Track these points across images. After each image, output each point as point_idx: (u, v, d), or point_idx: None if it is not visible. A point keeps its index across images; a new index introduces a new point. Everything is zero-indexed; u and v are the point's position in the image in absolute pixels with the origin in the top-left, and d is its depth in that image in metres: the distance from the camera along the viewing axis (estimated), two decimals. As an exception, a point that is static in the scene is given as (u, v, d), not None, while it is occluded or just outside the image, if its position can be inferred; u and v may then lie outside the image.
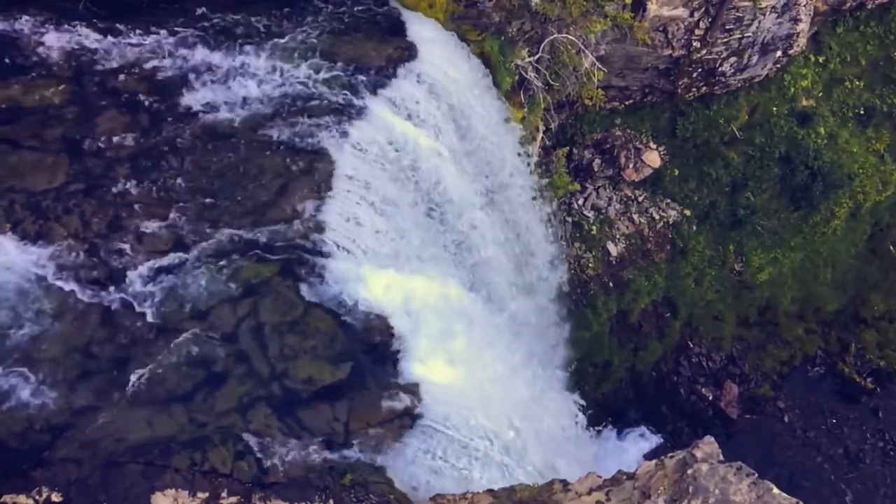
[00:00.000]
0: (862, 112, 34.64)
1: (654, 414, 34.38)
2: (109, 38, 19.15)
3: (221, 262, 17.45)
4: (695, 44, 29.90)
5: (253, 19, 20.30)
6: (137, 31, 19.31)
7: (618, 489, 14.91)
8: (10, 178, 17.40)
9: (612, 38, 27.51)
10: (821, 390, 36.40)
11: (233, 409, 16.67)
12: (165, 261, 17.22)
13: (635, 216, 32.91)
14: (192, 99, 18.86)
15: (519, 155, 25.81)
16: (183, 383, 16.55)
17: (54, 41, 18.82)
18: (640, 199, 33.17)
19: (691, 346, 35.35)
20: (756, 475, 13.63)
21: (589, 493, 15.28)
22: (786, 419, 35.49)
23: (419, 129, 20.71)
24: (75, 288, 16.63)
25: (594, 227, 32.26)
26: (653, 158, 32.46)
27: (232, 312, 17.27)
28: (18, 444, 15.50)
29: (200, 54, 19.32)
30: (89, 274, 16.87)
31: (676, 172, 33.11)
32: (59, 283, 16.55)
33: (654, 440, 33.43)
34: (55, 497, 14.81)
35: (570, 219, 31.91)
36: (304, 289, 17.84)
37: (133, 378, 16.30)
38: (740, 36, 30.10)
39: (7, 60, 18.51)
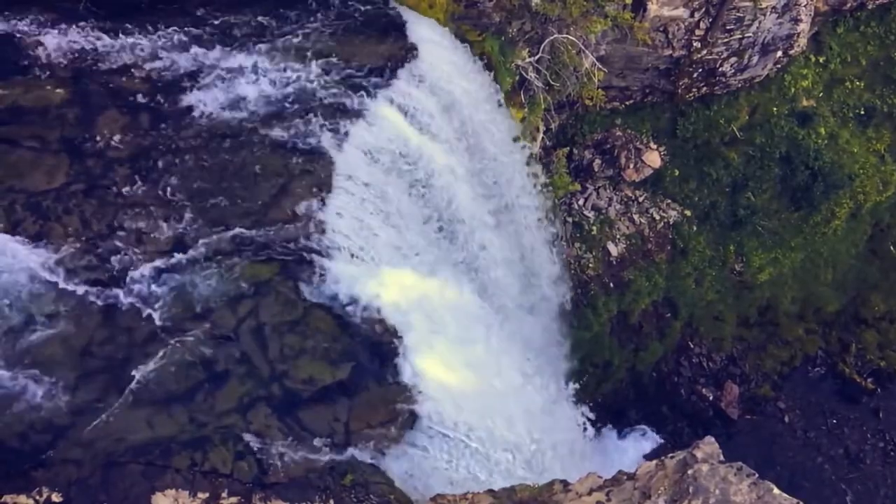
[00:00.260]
0: (862, 112, 34.65)
1: (654, 414, 34.37)
2: (110, 38, 19.16)
3: (222, 263, 17.45)
4: (695, 44, 29.90)
5: (253, 20, 20.31)
6: (138, 32, 19.32)
7: (618, 489, 14.89)
8: (11, 179, 17.40)
9: (613, 39, 27.52)
10: (821, 391, 36.39)
11: (233, 410, 16.66)
12: (166, 261, 17.21)
13: (636, 216, 32.91)
14: (193, 99, 18.87)
15: (528, 175, 25.99)
16: (183, 383, 16.54)
17: (55, 41, 18.83)
18: (641, 199, 33.18)
19: (692, 346, 35.35)
20: (756, 475, 13.62)
21: (589, 494, 15.27)
22: (786, 419, 35.48)
23: (423, 133, 20.73)
24: (75, 288, 16.62)
25: (594, 228, 32.26)
26: (653, 159, 32.47)
27: (232, 312, 17.26)
28: (19, 444, 15.49)
29: (200, 54, 19.33)
30: (89, 274, 16.86)
31: (677, 173, 33.12)
32: (59, 284, 16.54)
33: (654, 440, 33.42)
34: (55, 497, 14.80)
35: (570, 219, 31.92)
36: (304, 289, 17.83)
37: (133, 378, 16.29)
38: (741, 36, 30.11)
39: (7, 61, 18.51)
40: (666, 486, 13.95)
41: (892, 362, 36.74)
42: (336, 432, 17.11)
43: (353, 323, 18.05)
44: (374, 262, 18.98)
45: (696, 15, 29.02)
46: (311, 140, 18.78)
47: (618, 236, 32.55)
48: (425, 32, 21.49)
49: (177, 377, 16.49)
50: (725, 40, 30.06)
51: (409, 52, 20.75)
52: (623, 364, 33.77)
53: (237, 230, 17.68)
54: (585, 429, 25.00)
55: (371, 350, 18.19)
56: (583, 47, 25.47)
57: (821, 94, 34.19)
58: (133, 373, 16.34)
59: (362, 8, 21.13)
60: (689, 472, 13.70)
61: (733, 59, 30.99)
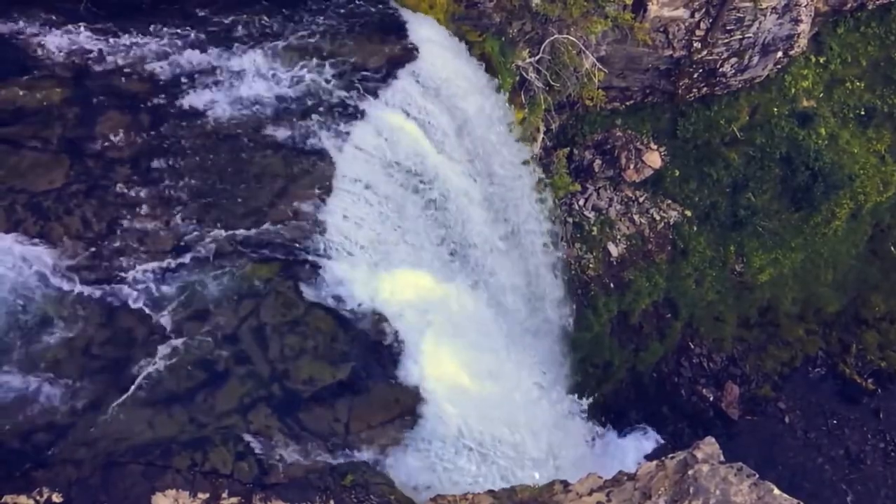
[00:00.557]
0: (863, 113, 34.65)
1: (654, 415, 34.36)
2: (110, 38, 19.17)
3: (222, 263, 17.45)
4: (695, 44, 29.91)
5: (253, 20, 20.31)
6: (138, 32, 19.33)
7: (618, 490, 14.89)
8: (12, 179, 17.41)
9: (613, 39, 27.53)
10: (822, 391, 36.38)
11: (233, 410, 16.66)
12: (166, 261, 17.21)
13: (636, 217, 32.91)
14: (193, 99, 18.88)
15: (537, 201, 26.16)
16: (184, 384, 16.55)
17: (55, 42, 18.84)
18: (641, 199, 33.17)
19: (692, 346, 35.34)
20: (757, 476, 13.62)
21: (590, 494, 15.26)
22: (787, 420, 35.47)
23: (419, 128, 20.75)
24: (76, 288, 16.63)
25: (595, 228, 32.26)
26: (653, 159, 32.47)
27: (233, 313, 17.26)
28: (19, 444, 15.50)
29: (201, 55, 19.34)
30: (90, 274, 16.87)
31: (677, 173, 33.12)
32: (59, 284, 16.55)
33: (654, 441, 33.41)
34: (56, 497, 14.81)
35: (570, 219, 31.92)
36: (304, 289, 17.84)
37: (134, 379, 16.30)
38: (741, 37, 30.11)
39: (9, 61, 18.52)
40: (666, 487, 13.94)
41: (893, 363, 36.72)
42: (336, 433, 17.13)
43: (353, 323, 18.06)
44: (375, 262, 18.97)
45: (697, 15, 29.02)
46: (311, 140, 18.79)
47: (618, 237, 32.55)
48: (426, 33, 21.49)
49: (177, 377, 16.50)
50: (726, 41, 30.07)
51: (409, 52, 20.76)
52: (623, 364, 33.76)
53: (238, 230, 17.69)
54: (594, 444, 25.15)
55: (371, 351, 18.19)
56: (583, 48, 25.47)
57: (821, 95, 34.19)
58: (134, 373, 16.35)
59: (363, 8, 21.13)
60: (690, 472, 13.69)
61: (734, 60, 30.99)
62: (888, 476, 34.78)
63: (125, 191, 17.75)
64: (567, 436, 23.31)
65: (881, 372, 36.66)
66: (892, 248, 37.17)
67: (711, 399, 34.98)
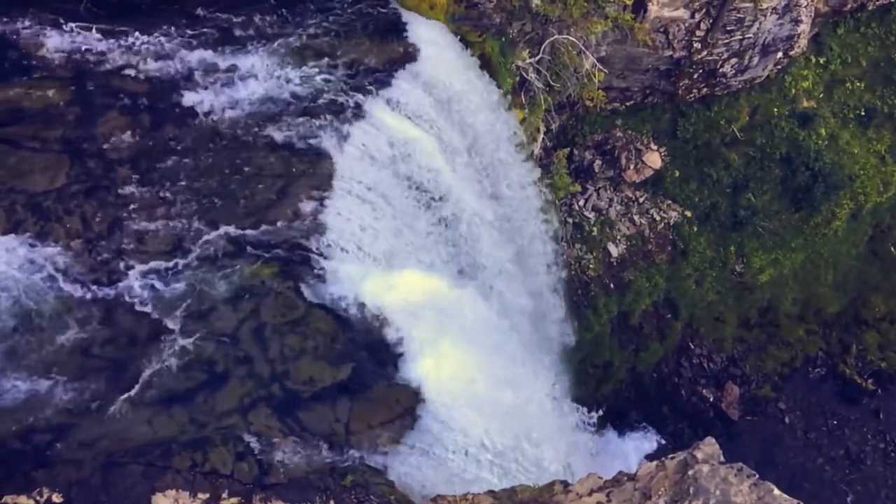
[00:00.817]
0: (863, 113, 34.65)
1: (655, 415, 34.37)
2: (110, 39, 19.16)
3: (222, 263, 17.45)
4: (696, 45, 29.91)
5: (253, 20, 20.31)
6: (138, 32, 19.32)
7: (619, 490, 14.89)
8: (12, 179, 17.40)
9: (613, 39, 27.53)
10: (822, 392, 36.38)
11: (234, 410, 16.65)
12: (166, 262, 17.21)
13: (636, 217, 32.91)
14: (193, 100, 18.88)
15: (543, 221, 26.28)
16: (184, 384, 16.54)
17: (55, 42, 18.84)
18: (641, 200, 33.17)
19: (692, 347, 35.34)
20: (757, 476, 13.61)
21: (590, 494, 15.26)
22: (787, 420, 35.47)
23: (421, 130, 20.76)
24: (76, 289, 16.63)
25: (595, 228, 32.26)
26: (653, 159, 32.47)
27: (233, 313, 17.25)
28: (19, 444, 15.49)
29: (201, 55, 19.34)
30: (90, 275, 16.86)
31: (677, 173, 33.12)
32: (59, 284, 16.54)
33: (654, 441, 33.42)
34: (56, 498, 14.81)
35: (570, 220, 31.92)
36: (304, 289, 17.83)
37: (134, 379, 16.29)
38: (741, 37, 30.11)
39: (8, 61, 18.52)
40: (666, 487, 13.94)
41: (893, 363, 36.72)
42: (336, 433, 17.11)
43: (353, 323, 18.05)
44: (376, 263, 18.97)
45: (697, 16, 29.03)
46: (311, 141, 18.79)
47: (618, 237, 32.55)
48: (426, 33, 21.49)
49: (178, 378, 16.49)
50: (726, 41, 30.07)
51: (409, 53, 20.76)
52: (623, 365, 33.77)
53: (238, 231, 17.68)
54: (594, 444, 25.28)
55: (371, 351, 18.18)
56: (583, 48, 25.48)
57: (821, 95, 34.20)
58: (134, 373, 16.34)
59: (363, 9, 21.13)
60: (690, 472, 13.69)
61: (734, 60, 31.00)
62: (888, 476, 34.78)
63: (125, 191, 17.75)
64: (577, 449, 23.36)
65: (881, 372, 36.67)
66: (893, 249, 37.17)
67: (711, 399, 34.98)
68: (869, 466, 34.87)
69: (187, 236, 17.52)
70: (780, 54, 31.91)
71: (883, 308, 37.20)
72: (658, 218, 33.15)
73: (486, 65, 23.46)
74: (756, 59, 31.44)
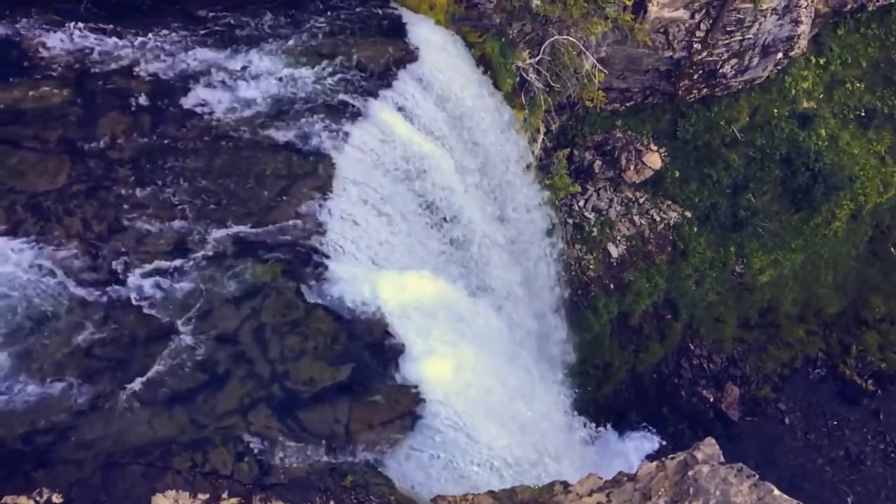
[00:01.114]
0: (863, 114, 34.66)
1: (655, 415, 34.37)
2: (111, 39, 19.17)
3: (223, 264, 17.44)
4: (696, 45, 29.92)
5: (254, 21, 20.32)
6: (139, 33, 19.33)
7: (618, 490, 14.89)
8: (12, 179, 17.40)
9: (613, 40, 27.54)
10: (822, 392, 36.39)
11: (234, 411, 16.64)
12: (167, 262, 17.20)
13: (636, 218, 32.92)
14: (194, 100, 18.88)
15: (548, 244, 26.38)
16: (184, 384, 16.52)
17: (56, 43, 18.84)
18: (641, 200, 33.18)
19: (692, 347, 35.35)
20: (757, 477, 13.61)
21: (590, 495, 15.25)
22: (787, 421, 35.48)
23: (421, 133, 20.77)
24: (76, 289, 16.62)
25: (595, 229, 32.27)
26: (653, 160, 32.48)
27: (233, 313, 17.24)
28: (19, 444, 15.49)
29: (202, 55, 19.35)
30: (90, 275, 16.86)
31: (677, 174, 33.13)
32: (59, 285, 16.54)
33: (655, 442, 33.41)
34: (56, 498, 14.80)
35: (570, 220, 31.93)
36: (305, 290, 17.82)
37: (134, 379, 16.29)
38: (741, 38, 30.12)
39: (9, 62, 18.52)
40: (666, 488, 13.94)
41: (893, 364, 36.74)
42: (337, 433, 17.10)
43: (354, 324, 18.03)
44: (377, 264, 18.97)
45: (697, 16, 29.03)
46: (312, 141, 18.79)
47: (618, 237, 32.56)
48: (426, 34, 21.50)
49: (177, 378, 16.48)
50: (726, 42, 30.08)
51: (410, 53, 20.76)
52: (623, 365, 33.77)
53: (239, 231, 17.68)
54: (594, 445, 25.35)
55: (372, 351, 18.17)
56: (583, 49, 25.48)
57: (821, 96, 34.21)
58: (134, 374, 16.34)
59: (363, 9, 21.14)
60: (690, 473, 13.69)
61: (734, 61, 31.01)
62: (888, 477, 34.79)
63: (126, 191, 17.75)
64: (585, 463, 23.41)
65: (881, 373, 36.68)
66: (893, 250, 37.18)
67: (712, 400, 34.99)
68: (869, 467, 34.88)
69: (188, 236, 17.52)
70: (780, 55, 31.93)
71: (883, 309, 37.21)
72: (658, 218, 33.16)
73: (486, 65, 23.49)
74: (756, 60, 31.45)
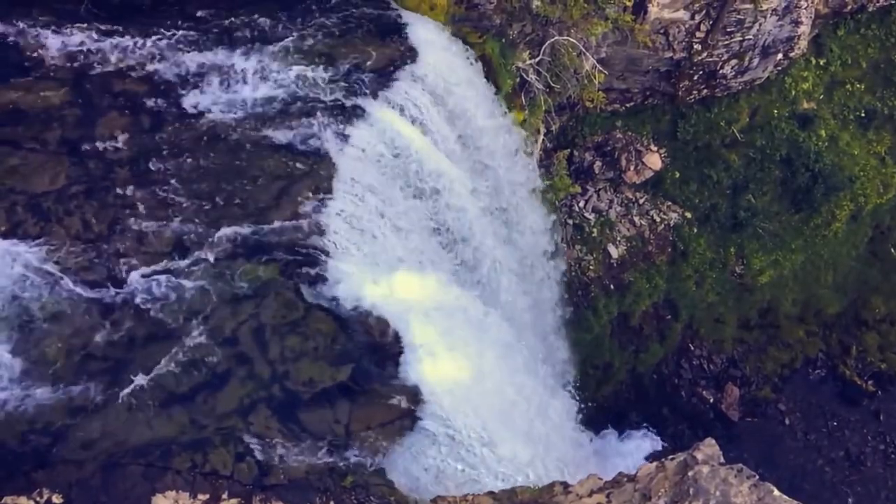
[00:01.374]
0: (863, 114, 34.67)
1: (655, 416, 34.37)
2: (110, 40, 19.17)
3: (222, 264, 17.44)
4: (696, 46, 29.92)
5: (253, 21, 20.32)
6: (138, 33, 19.33)
7: (618, 491, 14.88)
8: (11, 180, 17.41)
9: (613, 41, 27.54)
10: (822, 393, 36.39)
11: (233, 411, 16.65)
12: (166, 262, 17.21)
13: (636, 218, 32.92)
14: (193, 100, 18.89)
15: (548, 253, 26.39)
16: (184, 385, 16.53)
17: (55, 43, 18.85)
18: (641, 201, 33.18)
19: (692, 348, 35.35)
20: (757, 477, 13.61)
21: (590, 495, 15.25)
22: (787, 421, 35.48)
23: (421, 132, 20.78)
24: (76, 289, 16.62)
25: (595, 230, 32.27)
26: (654, 161, 32.48)
27: (233, 314, 17.24)
28: (19, 445, 15.49)
29: (201, 56, 19.35)
30: (90, 275, 16.86)
31: (677, 175, 33.13)
32: (59, 285, 16.54)
33: (654, 442, 33.41)
34: (56, 498, 14.80)
35: (570, 221, 31.93)
36: (305, 290, 17.82)
37: (134, 380, 16.29)
38: (741, 38, 30.12)
39: (9, 62, 18.53)
40: (666, 488, 13.94)
41: (893, 364, 36.73)
42: (336, 434, 17.10)
43: (353, 325, 18.04)
44: (377, 264, 18.96)
45: (697, 17, 29.04)
46: (312, 142, 18.79)
47: (618, 238, 32.56)
48: (426, 34, 21.49)
49: (177, 378, 16.48)
50: (726, 42, 30.08)
51: (409, 53, 20.76)
52: (623, 366, 33.77)
53: (238, 231, 17.68)
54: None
55: (371, 352, 18.18)
56: (583, 49, 25.49)
57: (821, 97, 34.21)
58: (133, 374, 16.34)
59: (363, 10, 21.14)
60: (690, 473, 13.69)
61: (734, 62, 31.00)
62: (888, 478, 34.78)
63: (125, 192, 17.75)
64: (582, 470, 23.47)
65: (881, 374, 36.68)
66: (893, 250, 37.18)
67: (712, 400, 34.98)
68: (869, 468, 34.88)
69: (187, 237, 17.52)
70: (780, 56, 31.92)
71: (883, 309, 37.21)
72: (658, 219, 33.16)
73: (486, 65, 23.50)
74: (756, 61, 31.45)
